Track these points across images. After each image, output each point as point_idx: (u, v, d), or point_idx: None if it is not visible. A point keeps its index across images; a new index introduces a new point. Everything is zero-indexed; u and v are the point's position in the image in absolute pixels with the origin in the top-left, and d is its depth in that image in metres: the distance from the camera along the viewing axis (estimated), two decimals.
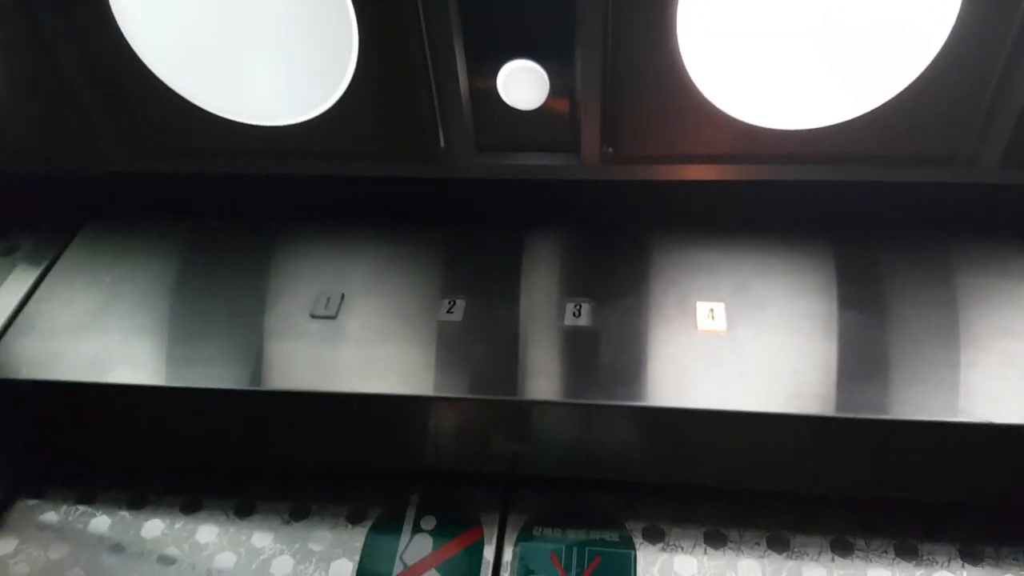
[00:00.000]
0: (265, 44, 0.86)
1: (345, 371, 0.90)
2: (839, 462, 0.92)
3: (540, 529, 0.95)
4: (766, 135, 0.87)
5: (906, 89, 0.82)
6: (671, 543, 0.93)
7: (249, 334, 0.95)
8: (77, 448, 1.06)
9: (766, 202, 0.98)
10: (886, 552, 0.91)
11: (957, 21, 0.77)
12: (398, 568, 0.93)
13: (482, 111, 0.90)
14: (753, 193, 0.96)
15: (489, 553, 0.93)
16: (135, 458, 1.05)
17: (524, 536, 0.95)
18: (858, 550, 0.91)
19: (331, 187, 1.05)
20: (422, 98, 0.88)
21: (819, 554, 0.91)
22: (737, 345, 0.89)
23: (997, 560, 0.89)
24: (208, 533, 0.98)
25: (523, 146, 0.93)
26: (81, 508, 1.01)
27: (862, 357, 0.87)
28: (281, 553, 0.95)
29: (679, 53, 0.82)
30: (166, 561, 0.95)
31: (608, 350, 0.90)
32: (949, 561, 0.89)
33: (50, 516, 1.01)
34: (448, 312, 0.94)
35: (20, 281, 1.04)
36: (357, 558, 0.94)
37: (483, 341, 0.92)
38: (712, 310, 0.92)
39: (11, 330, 0.98)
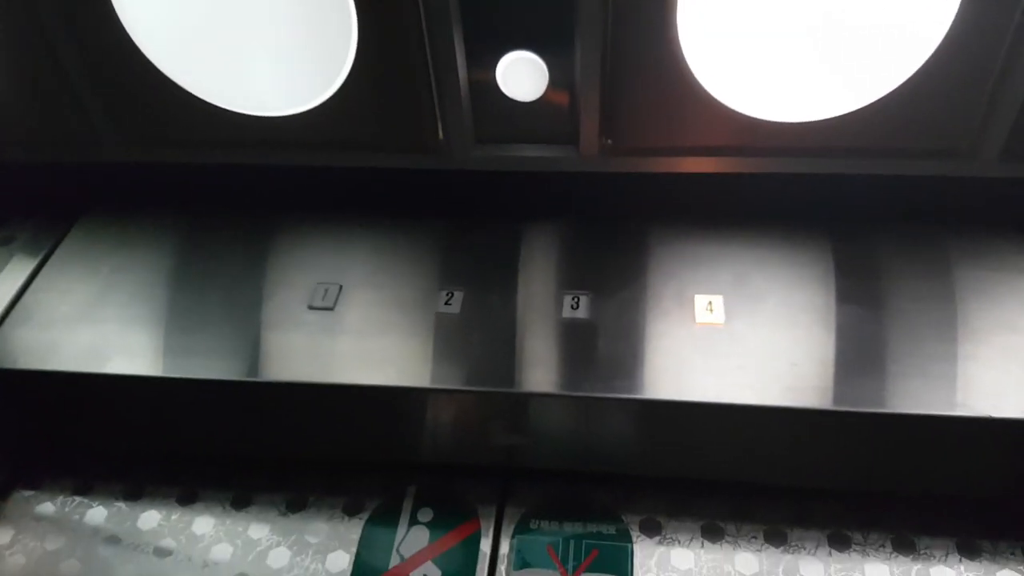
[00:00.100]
0: (264, 34, 0.86)
1: (343, 362, 0.90)
2: (837, 456, 0.92)
3: (537, 522, 0.95)
4: (765, 127, 0.87)
5: (906, 82, 0.82)
6: (668, 536, 0.93)
7: (247, 325, 0.95)
8: (74, 439, 1.06)
9: (765, 195, 0.98)
10: (883, 546, 0.91)
11: (958, 14, 0.77)
12: (395, 560, 0.93)
13: (481, 102, 0.90)
14: (752, 186, 0.96)
15: (486, 545, 0.93)
16: (132, 449, 1.05)
17: (521, 529, 0.95)
18: (855, 544, 0.91)
19: (329, 178, 1.05)
20: (421, 89, 0.88)
21: (816, 548, 0.91)
22: (735, 338, 0.89)
23: (994, 554, 0.89)
24: (204, 524, 0.97)
25: (522, 138, 0.93)
26: (77, 499, 1.01)
27: (860, 350, 0.87)
28: (278, 545, 0.95)
29: (679, 44, 0.82)
30: (162, 552, 0.95)
31: (606, 342, 0.89)
32: (947, 555, 0.89)
33: (46, 507, 1.00)
34: (446, 304, 0.94)
35: (17, 271, 1.04)
36: (354, 550, 0.94)
37: (481, 333, 0.91)
38: (710, 303, 0.92)
39: (8, 320, 0.98)
